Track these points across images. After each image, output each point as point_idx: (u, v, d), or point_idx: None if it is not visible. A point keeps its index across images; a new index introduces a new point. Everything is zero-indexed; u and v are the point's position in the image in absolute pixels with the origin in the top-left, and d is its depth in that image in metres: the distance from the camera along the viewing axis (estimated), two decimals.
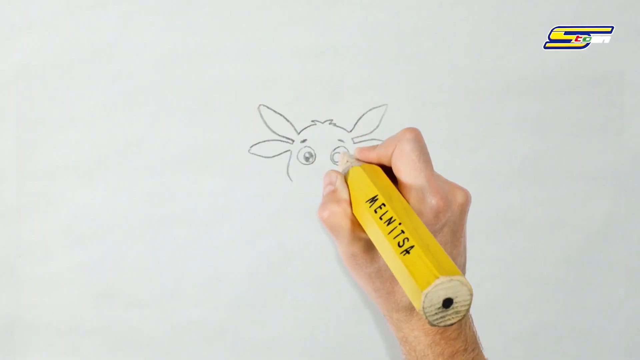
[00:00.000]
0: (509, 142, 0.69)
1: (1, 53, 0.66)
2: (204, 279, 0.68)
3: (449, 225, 0.43)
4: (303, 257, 0.68)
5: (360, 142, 0.68)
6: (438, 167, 0.69)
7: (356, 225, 0.42)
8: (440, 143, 0.69)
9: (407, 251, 0.36)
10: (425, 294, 0.33)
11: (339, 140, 0.68)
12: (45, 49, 0.66)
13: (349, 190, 0.44)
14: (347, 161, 0.48)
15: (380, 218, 0.39)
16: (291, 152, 0.68)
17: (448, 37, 0.68)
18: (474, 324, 0.46)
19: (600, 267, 0.71)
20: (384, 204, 0.40)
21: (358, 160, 0.47)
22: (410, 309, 0.43)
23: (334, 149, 0.68)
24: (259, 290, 0.68)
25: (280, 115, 0.68)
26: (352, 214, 0.43)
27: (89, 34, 0.66)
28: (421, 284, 0.34)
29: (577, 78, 0.69)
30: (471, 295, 0.34)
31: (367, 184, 0.42)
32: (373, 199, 0.41)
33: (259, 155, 0.68)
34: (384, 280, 0.43)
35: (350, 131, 0.68)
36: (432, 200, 0.41)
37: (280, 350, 0.69)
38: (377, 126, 0.68)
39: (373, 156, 0.46)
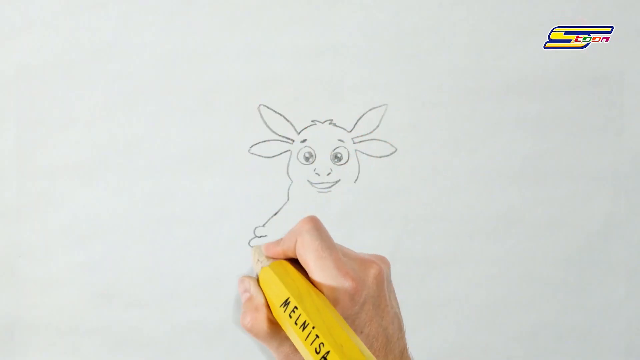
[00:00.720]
0: (509, 142, 0.69)
1: (1, 53, 0.66)
2: (204, 279, 0.68)
3: (369, 302, 0.43)
4: None
5: (360, 142, 0.68)
6: (438, 167, 0.69)
7: (279, 327, 0.43)
8: (440, 143, 0.69)
9: (324, 357, 0.37)
10: None
11: (339, 140, 0.68)
12: (45, 49, 0.66)
13: (264, 295, 0.44)
14: (258, 260, 0.48)
15: (296, 323, 0.40)
16: (291, 152, 0.68)
17: (448, 37, 0.68)
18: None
19: (600, 267, 0.71)
20: (296, 307, 0.40)
21: (267, 257, 0.47)
22: None
23: (334, 149, 0.68)
24: None
25: (280, 115, 0.68)
26: (273, 317, 0.43)
27: (89, 34, 0.66)
28: None
29: (577, 78, 0.69)
30: None
31: (278, 285, 0.43)
32: (285, 303, 0.41)
33: (259, 155, 0.68)
34: None
35: (350, 131, 0.68)
36: (345, 284, 0.41)
37: None
38: (377, 126, 0.68)
39: (279, 251, 0.46)
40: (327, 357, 0.37)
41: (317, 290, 0.42)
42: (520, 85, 0.69)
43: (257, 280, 0.46)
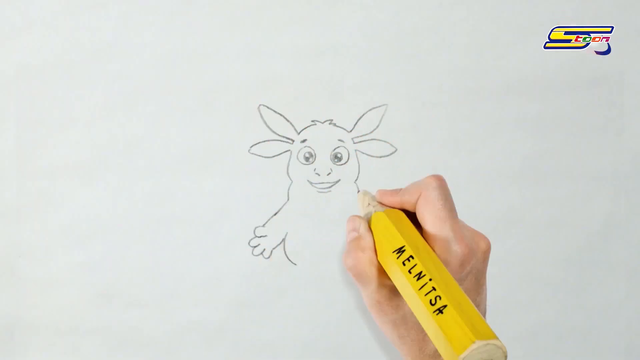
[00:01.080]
0: (509, 142, 0.69)
1: (1, 53, 0.66)
2: (204, 279, 0.68)
3: (473, 273, 0.43)
4: (303, 257, 0.68)
5: (360, 142, 0.68)
6: (438, 167, 0.69)
7: (382, 272, 0.42)
8: (440, 143, 0.69)
9: (440, 310, 0.36)
10: (461, 358, 0.33)
11: (339, 140, 0.68)
12: (45, 49, 0.66)
13: (373, 237, 0.44)
14: (369, 204, 0.47)
15: (410, 272, 0.39)
16: (291, 152, 0.68)
17: (448, 37, 0.68)
18: None
19: (600, 267, 0.71)
20: (412, 257, 0.39)
21: (380, 203, 0.47)
22: (437, 356, 0.43)
23: (334, 149, 0.68)
24: (259, 290, 0.68)
25: (280, 115, 0.68)
26: (378, 261, 0.42)
27: (89, 34, 0.66)
28: (457, 348, 0.33)
29: (577, 78, 0.69)
30: (505, 357, 0.34)
31: (393, 233, 0.42)
32: (400, 250, 0.40)
33: (259, 155, 0.68)
34: (408, 327, 0.43)
35: (350, 131, 0.68)
36: (458, 249, 0.41)
37: (280, 350, 0.69)
38: (377, 126, 0.68)
39: (396, 201, 0.45)
40: (444, 311, 0.35)
41: (430, 248, 0.41)
42: (520, 85, 0.69)
43: (368, 223, 0.45)
